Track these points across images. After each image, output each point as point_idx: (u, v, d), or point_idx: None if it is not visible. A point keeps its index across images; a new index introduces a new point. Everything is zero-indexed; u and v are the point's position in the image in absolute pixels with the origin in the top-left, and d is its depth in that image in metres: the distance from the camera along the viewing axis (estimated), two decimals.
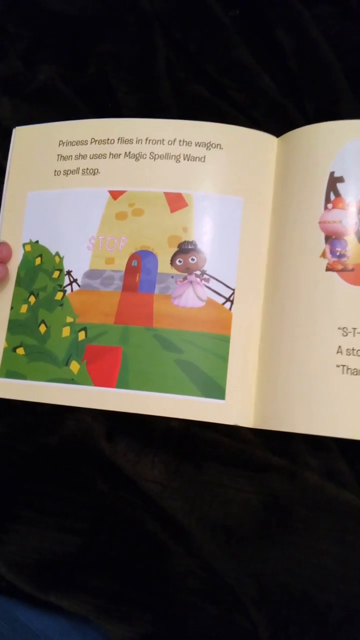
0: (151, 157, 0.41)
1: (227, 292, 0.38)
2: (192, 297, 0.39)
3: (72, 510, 0.36)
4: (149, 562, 0.35)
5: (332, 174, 0.38)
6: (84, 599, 0.34)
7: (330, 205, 0.38)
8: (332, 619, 0.32)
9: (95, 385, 0.38)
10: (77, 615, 0.36)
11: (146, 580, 0.35)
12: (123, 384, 0.37)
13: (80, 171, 0.42)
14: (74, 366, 0.39)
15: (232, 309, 0.38)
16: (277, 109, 0.44)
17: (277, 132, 0.41)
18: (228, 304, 0.38)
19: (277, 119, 0.43)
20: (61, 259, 0.41)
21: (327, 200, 0.38)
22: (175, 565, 0.35)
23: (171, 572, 0.35)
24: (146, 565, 0.35)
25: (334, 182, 0.38)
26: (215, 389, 0.37)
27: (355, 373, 0.35)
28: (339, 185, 0.38)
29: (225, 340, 0.38)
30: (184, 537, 0.35)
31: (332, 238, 0.37)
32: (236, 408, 0.37)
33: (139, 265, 0.39)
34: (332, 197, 0.38)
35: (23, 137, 0.44)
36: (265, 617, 0.33)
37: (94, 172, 0.42)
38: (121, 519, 0.36)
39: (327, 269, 0.37)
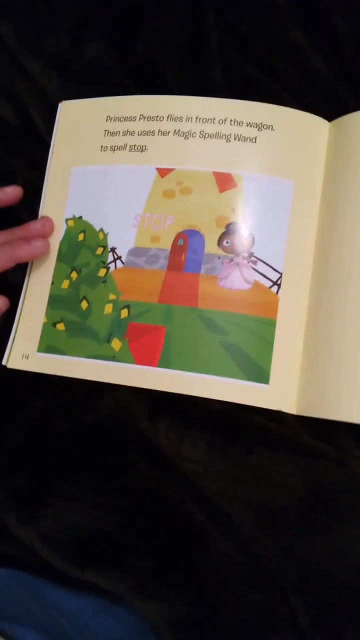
0: (201, 136, 0.40)
1: (274, 276, 0.38)
2: (238, 279, 0.38)
3: (110, 488, 0.36)
4: (187, 544, 0.34)
5: None
6: (120, 576, 0.34)
7: None
8: None
9: (137, 363, 0.37)
10: (108, 596, 0.36)
11: (184, 562, 0.34)
12: (165, 363, 0.37)
13: (128, 147, 0.41)
14: (116, 343, 0.38)
15: (279, 292, 0.38)
16: (329, 93, 0.43)
17: (330, 116, 0.40)
18: (275, 288, 0.38)
19: (329, 103, 0.42)
20: (105, 235, 0.40)
21: None
22: (213, 548, 0.34)
23: (209, 555, 0.34)
24: (184, 547, 0.34)
25: None
26: (259, 373, 0.36)
27: None
28: None
29: (271, 324, 0.37)
30: (224, 520, 0.34)
31: None
32: (280, 393, 0.36)
33: (185, 245, 0.39)
34: None
35: (69, 111, 0.44)
36: (306, 604, 0.32)
37: (142, 149, 0.41)
38: (160, 499, 0.35)
39: None
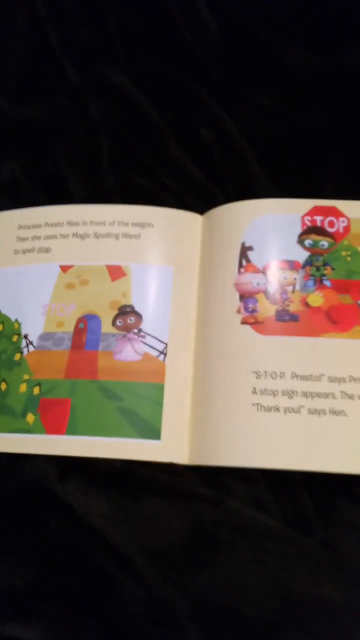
0: (95, 237, 0.48)
1: (160, 346, 0.45)
2: (130, 352, 0.45)
3: (30, 547, 0.41)
4: (97, 591, 0.39)
5: (243, 243, 0.45)
6: (37, 625, 0.38)
7: (243, 270, 0.45)
8: (257, 631, 0.36)
9: (48, 433, 0.43)
10: None
11: (96, 608, 0.38)
12: (72, 430, 0.43)
13: (36, 250, 0.49)
14: (30, 417, 0.44)
15: (166, 360, 0.44)
16: (203, 192, 0.52)
17: (204, 211, 0.49)
18: (162, 357, 0.44)
19: (203, 200, 0.51)
20: (19, 324, 0.47)
21: (240, 265, 0.45)
22: (121, 592, 0.39)
23: (118, 599, 0.39)
24: (95, 594, 0.39)
25: (245, 250, 0.45)
26: (152, 431, 0.42)
27: (267, 410, 0.41)
28: (249, 253, 0.45)
29: (160, 388, 0.44)
30: (128, 565, 0.39)
31: (245, 297, 0.44)
32: (171, 447, 0.42)
33: (85, 327, 0.46)
34: (244, 263, 0.45)
35: None
36: (199, 631, 0.36)
37: (47, 250, 0.49)
38: (72, 552, 0.40)
39: (242, 322, 0.43)
